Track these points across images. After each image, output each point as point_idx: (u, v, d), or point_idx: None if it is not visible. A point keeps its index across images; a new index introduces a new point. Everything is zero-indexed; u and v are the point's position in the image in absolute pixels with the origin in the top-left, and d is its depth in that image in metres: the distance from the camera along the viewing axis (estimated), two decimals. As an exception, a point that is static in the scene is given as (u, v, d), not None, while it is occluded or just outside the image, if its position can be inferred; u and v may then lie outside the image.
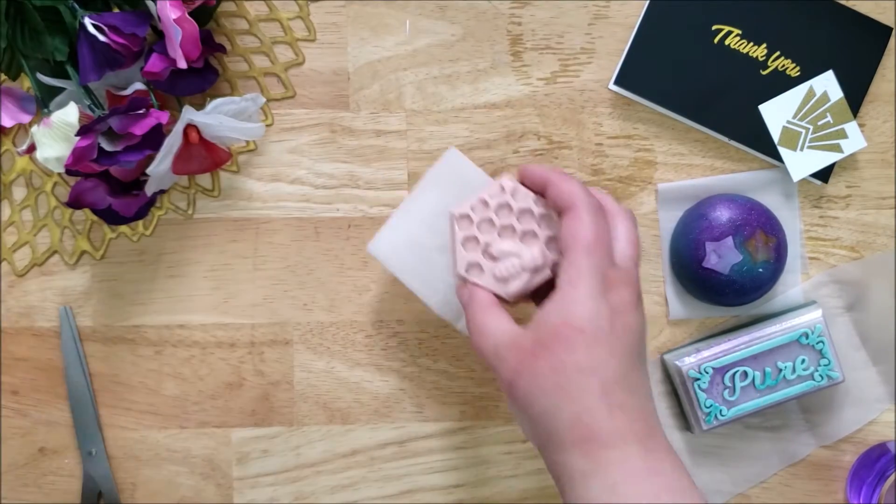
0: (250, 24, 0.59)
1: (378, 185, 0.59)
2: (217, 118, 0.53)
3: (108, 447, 0.59)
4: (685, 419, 0.60)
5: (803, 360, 0.58)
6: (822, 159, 0.59)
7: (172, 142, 0.53)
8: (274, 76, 0.59)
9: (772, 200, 0.60)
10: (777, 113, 0.59)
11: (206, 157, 0.55)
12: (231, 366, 0.60)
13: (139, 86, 0.54)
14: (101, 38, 0.50)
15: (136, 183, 0.55)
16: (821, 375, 0.58)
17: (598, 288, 0.46)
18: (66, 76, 0.54)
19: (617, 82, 0.59)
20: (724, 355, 0.58)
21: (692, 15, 0.59)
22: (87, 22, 0.50)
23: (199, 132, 0.54)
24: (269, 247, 0.60)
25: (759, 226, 0.57)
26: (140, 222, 0.59)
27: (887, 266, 0.60)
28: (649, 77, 0.59)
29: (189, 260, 0.60)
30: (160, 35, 0.53)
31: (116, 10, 0.53)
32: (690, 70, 0.59)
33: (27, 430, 0.60)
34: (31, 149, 0.53)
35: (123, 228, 0.59)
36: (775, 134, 0.59)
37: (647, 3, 0.59)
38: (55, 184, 0.59)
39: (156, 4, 0.52)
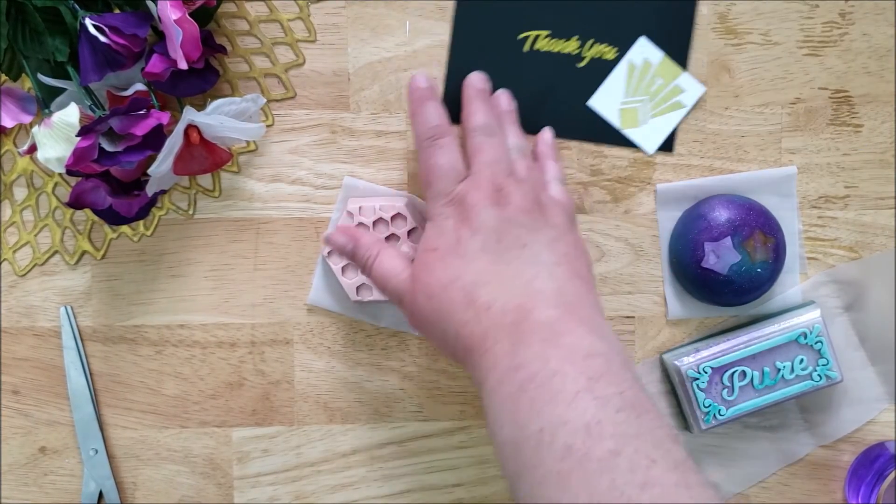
0: (251, 24, 0.59)
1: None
2: (218, 119, 0.53)
3: (108, 447, 0.60)
4: (684, 419, 0.60)
5: (802, 360, 0.58)
6: (669, 122, 0.59)
7: (173, 142, 0.53)
8: (274, 77, 0.59)
9: (770, 200, 0.60)
10: (607, 100, 0.58)
11: (206, 157, 0.55)
12: (231, 365, 0.60)
13: (140, 86, 0.54)
14: (102, 38, 0.51)
15: (137, 183, 0.56)
16: (819, 375, 0.58)
17: (442, 210, 0.50)
18: (66, 77, 0.54)
19: None
20: (723, 355, 0.58)
21: (498, 31, 0.58)
22: (88, 23, 0.51)
23: (199, 133, 0.54)
24: (269, 247, 0.60)
25: (757, 226, 0.57)
26: (141, 222, 0.59)
27: (886, 266, 0.60)
28: None
29: (190, 260, 0.60)
30: (161, 36, 0.53)
31: (117, 11, 0.53)
32: (511, 86, 0.57)
33: (28, 429, 0.60)
34: (32, 149, 0.53)
35: (124, 228, 0.59)
36: (614, 120, 0.58)
37: (452, 27, 0.58)
38: (56, 184, 0.59)
39: (156, 5, 0.52)
